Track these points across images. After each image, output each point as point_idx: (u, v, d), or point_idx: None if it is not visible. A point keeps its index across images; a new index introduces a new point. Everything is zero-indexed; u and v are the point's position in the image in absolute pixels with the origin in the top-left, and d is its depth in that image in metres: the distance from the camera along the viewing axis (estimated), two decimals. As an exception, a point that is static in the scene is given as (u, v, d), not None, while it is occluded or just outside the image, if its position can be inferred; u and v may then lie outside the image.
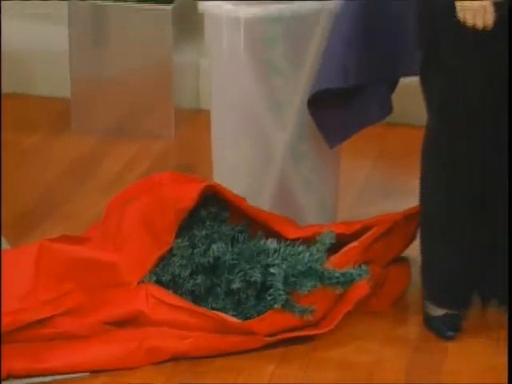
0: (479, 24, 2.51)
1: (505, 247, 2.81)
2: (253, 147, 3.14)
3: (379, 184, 3.62)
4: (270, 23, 3.02)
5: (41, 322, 2.71)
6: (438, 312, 2.86)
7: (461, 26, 2.53)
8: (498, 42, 2.57)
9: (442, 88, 2.70)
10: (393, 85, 3.01)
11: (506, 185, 2.76)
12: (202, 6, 3.12)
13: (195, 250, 2.87)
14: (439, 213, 2.82)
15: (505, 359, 2.65)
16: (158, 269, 2.86)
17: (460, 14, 2.52)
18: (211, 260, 2.85)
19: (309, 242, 2.93)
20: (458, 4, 2.51)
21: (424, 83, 2.74)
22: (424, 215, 2.86)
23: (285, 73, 3.09)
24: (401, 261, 2.98)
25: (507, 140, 2.72)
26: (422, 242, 2.89)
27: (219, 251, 2.86)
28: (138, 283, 2.82)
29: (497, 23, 2.52)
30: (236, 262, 2.85)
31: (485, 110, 2.69)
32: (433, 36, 2.66)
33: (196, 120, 3.92)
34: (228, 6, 3.03)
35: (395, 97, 3.03)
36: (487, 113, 2.71)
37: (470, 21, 2.52)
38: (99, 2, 3.91)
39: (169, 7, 3.89)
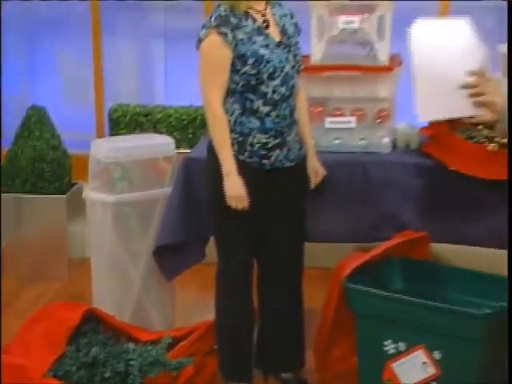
0: (239, 207, 2.52)
1: (271, 335, 2.75)
2: (118, 281, 3.02)
3: (201, 302, 3.48)
4: (127, 205, 2.98)
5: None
6: (235, 386, 2.76)
7: (227, 207, 2.53)
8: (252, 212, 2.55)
9: (224, 244, 2.65)
10: (206, 240, 2.92)
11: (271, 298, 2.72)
12: (84, 194, 3.06)
13: (80, 353, 2.70)
14: (225, 321, 2.71)
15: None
16: (54, 367, 2.66)
17: (228, 200, 2.52)
18: (90, 359, 2.68)
19: (155, 342, 2.80)
20: (226, 194, 2.51)
21: (215, 239, 2.69)
22: (217, 323, 2.74)
23: (138, 233, 3.02)
24: (213, 352, 2.84)
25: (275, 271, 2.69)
26: (217, 341, 2.77)
27: (96, 353, 2.69)
28: (41, 378, 2.60)
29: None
30: (107, 359, 2.68)
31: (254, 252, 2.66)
32: (214, 213, 2.63)
33: (82, 265, 3.73)
34: (100, 194, 2.97)
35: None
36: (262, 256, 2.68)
37: (233, 205, 2.53)
38: (16, 195, 3.73)
39: (64, 196, 3.77)
